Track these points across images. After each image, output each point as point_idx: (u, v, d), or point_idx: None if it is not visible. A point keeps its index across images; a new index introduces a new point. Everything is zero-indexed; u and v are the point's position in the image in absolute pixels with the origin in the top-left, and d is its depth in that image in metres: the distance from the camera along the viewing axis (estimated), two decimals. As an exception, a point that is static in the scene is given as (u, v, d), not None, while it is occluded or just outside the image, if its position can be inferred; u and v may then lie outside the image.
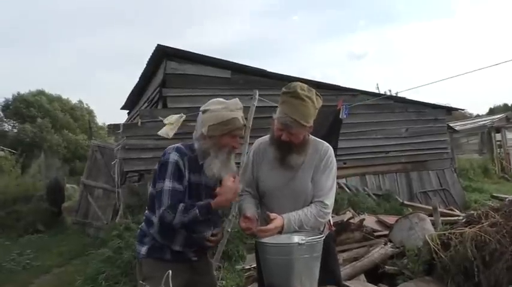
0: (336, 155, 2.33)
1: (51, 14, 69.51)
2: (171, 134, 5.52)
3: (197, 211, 2.02)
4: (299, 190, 2.22)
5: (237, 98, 2.23)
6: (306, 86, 2.15)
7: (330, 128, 4.93)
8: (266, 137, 2.36)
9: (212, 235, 2.25)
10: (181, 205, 2.03)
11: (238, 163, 5.34)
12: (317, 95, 2.16)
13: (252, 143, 2.66)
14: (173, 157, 2.12)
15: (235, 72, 8.71)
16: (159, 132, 5.56)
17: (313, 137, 2.30)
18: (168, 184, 2.07)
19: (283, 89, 2.16)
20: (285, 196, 2.22)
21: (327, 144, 2.32)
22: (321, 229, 2.28)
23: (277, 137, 2.17)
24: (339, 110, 5.09)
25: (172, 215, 2.01)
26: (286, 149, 2.16)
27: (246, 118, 4.96)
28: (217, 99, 2.24)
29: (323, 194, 2.21)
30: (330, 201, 2.22)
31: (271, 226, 2.03)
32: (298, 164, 2.20)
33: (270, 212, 2.14)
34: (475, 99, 73.96)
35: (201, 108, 2.22)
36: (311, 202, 2.21)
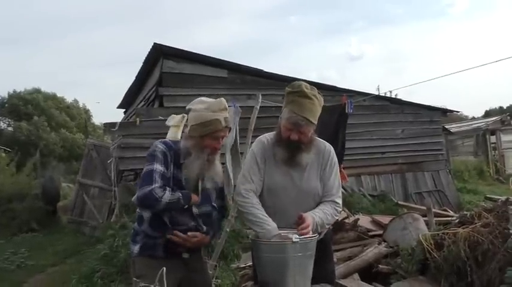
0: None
1: (47, 13, 69.20)
2: (179, 136, 5.53)
3: (179, 194, 2.07)
4: (307, 189, 2.23)
5: (222, 98, 2.20)
6: (308, 85, 2.17)
7: (336, 125, 4.96)
8: (267, 135, 2.34)
9: (203, 231, 2.20)
10: (168, 187, 2.07)
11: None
12: (318, 93, 2.20)
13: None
14: (161, 147, 2.16)
15: (232, 72, 8.71)
16: (168, 137, 5.56)
17: (314, 136, 2.31)
18: (157, 166, 2.08)
19: (288, 89, 2.17)
20: (289, 194, 2.22)
21: (328, 143, 2.35)
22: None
23: (285, 137, 2.17)
24: (344, 106, 5.13)
25: (163, 192, 2.02)
26: (296, 148, 2.17)
27: (248, 118, 5.01)
28: (201, 98, 2.22)
29: (333, 193, 2.26)
30: (339, 199, 2.28)
31: (308, 221, 2.04)
32: (307, 163, 2.22)
33: (272, 210, 2.16)
34: (471, 102, 74.43)
35: (187, 107, 2.23)
36: (321, 202, 2.24)
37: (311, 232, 2.04)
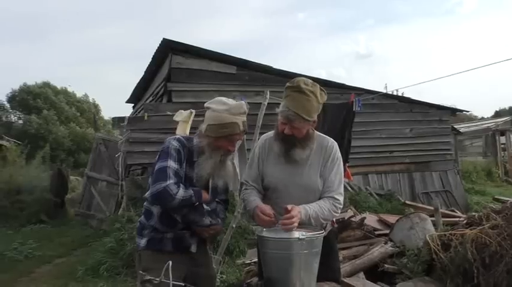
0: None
1: (58, 8, 69.63)
2: (187, 132, 5.56)
3: (191, 191, 2.07)
4: (306, 185, 2.23)
5: (242, 102, 2.19)
6: (310, 81, 2.15)
7: (343, 123, 4.95)
8: (271, 133, 2.36)
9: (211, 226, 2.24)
10: (182, 184, 2.08)
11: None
12: (321, 90, 2.17)
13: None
14: (174, 144, 2.15)
15: (240, 68, 8.71)
16: (177, 132, 5.59)
17: (318, 132, 2.31)
18: (171, 163, 2.09)
19: (287, 84, 2.17)
20: (289, 190, 2.23)
21: (332, 139, 2.33)
22: (324, 224, 2.29)
23: (280, 131, 2.18)
24: (352, 104, 5.12)
25: (177, 189, 2.02)
26: (290, 143, 2.17)
27: (255, 114, 5.01)
28: (222, 98, 2.19)
29: (333, 189, 2.24)
30: (340, 196, 2.26)
31: (294, 212, 2.00)
32: (302, 159, 2.21)
33: (274, 207, 2.15)
34: (480, 103, 73.63)
35: (205, 105, 2.21)
36: (320, 198, 2.23)
37: (302, 222, 2.04)
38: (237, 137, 2.16)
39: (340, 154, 2.33)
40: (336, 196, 2.23)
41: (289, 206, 2.03)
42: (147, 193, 2.11)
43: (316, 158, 2.25)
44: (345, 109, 5.11)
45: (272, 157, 2.29)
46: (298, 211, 2.03)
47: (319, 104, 2.15)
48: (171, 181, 2.03)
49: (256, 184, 2.33)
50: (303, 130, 2.16)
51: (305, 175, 2.23)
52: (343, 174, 2.34)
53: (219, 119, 2.10)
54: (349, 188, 9.09)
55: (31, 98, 25.29)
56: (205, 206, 2.21)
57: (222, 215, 2.38)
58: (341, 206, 2.27)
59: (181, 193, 2.04)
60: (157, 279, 1.82)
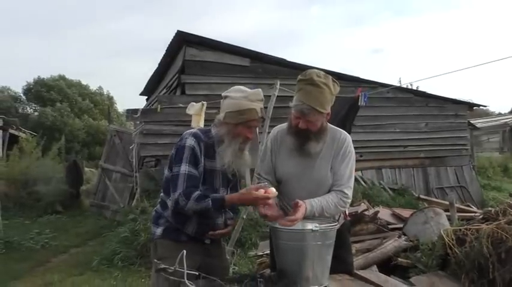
0: None
1: (74, 1, 70.26)
2: (202, 124, 5.60)
3: (210, 202, 2.04)
4: (318, 179, 2.21)
5: (259, 89, 2.20)
6: (322, 73, 2.13)
7: (344, 116, 4.90)
8: (283, 125, 2.34)
9: (226, 224, 2.27)
10: (196, 193, 2.05)
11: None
12: (334, 81, 2.14)
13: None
14: (190, 141, 2.14)
15: (254, 61, 8.70)
16: (192, 125, 5.62)
17: (330, 125, 2.29)
18: (184, 168, 2.09)
19: (299, 77, 2.14)
20: (302, 184, 2.21)
21: (345, 132, 2.30)
22: (336, 217, 2.28)
23: (294, 125, 2.16)
24: (357, 98, 5.05)
25: (185, 201, 2.03)
26: (304, 136, 2.15)
27: (266, 107, 5.01)
28: (239, 87, 2.21)
29: (342, 183, 2.20)
30: (349, 190, 2.22)
31: (298, 215, 2.00)
32: (316, 152, 2.19)
33: (286, 200, 2.14)
34: (498, 98, 72.23)
35: (222, 94, 2.22)
36: (329, 191, 2.21)
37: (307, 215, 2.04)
38: (255, 124, 2.17)
39: (353, 148, 2.30)
40: (345, 190, 2.20)
41: (299, 202, 2.03)
42: (168, 203, 2.17)
43: (328, 150, 2.22)
44: (348, 104, 5.04)
45: (284, 150, 2.28)
46: (303, 211, 2.02)
47: (332, 96, 2.13)
48: (179, 191, 2.05)
49: (269, 177, 2.32)
50: (317, 123, 2.13)
51: (316, 168, 2.21)
52: (354, 168, 2.30)
53: (238, 105, 2.12)
54: (362, 182, 9.03)
55: (45, 90, 25.64)
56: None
57: (235, 211, 2.40)
58: (349, 201, 2.24)
59: (190, 205, 2.04)
60: (172, 268, 1.84)
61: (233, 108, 2.13)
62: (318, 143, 2.17)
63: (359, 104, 5.11)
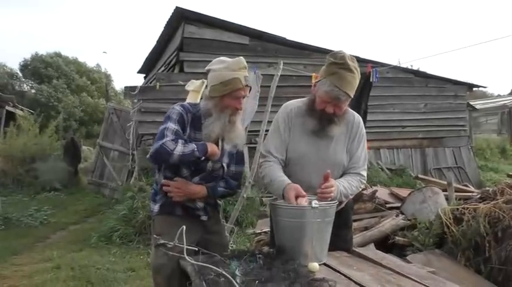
0: (365, 122, 2.29)
1: (69, -25, 68.69)
2: (198, 101, 5.54)
3: (194, 145, 2.04)
4: (333, 161, 2.17)
5: (241, 57, 2.15)
6: (350, 55, 2.05)
7: (360, 94, 4.85)
8: (296, 103, 2.26)
9: (206, 210, 2.26)
10: (181, 140, 2.03)
11: (256, 131, 5.36)
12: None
13: (274, 111, 2.59)
14: (178, 108, 2.15)
15: (253, 39, 8.57)
16: (187, 101, 5.56)
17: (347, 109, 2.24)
18: (172, 125, 2.07)
19: (331, 59, 2.03)
20: (314, 165, 2.16)
21: (357, 114, 2.28)
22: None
23: (320, 109, 2.09)
24: (369, 74, 5.01)
25: (174, 144, 1.99)
26: (328, 120, 2.10)
27: (268, 86, 4.93)
28: (221, 58, 2.18)
29: (359, 166, 2.21)
30: (365, 172, 2.24)
31: (333, 181, 1.99)
32: (336, 135, 2.15)
33: (294, 180, 2.07)
34: (497, 80, 71.96)
35: (205, 68, 2.19)
36: (345, 173, 2.20)
37: (332, 197, 2.00)
38: (241, 93, 2.11)
39: (364, 130, 2.28)
40: (362, 172, 2.21)
41: (330, 174, 1.99)
42: (147, 155, 2.11)
43: (343, 133, 2.19)
44: (362, 80, 5.02)
45: (297, 129, 2.20)
46: (336, 186, 2.01)
47: (359, 80, 2.09)
48: (167, 139, 2.00)
49: (280, 155, 2.21)
50: (343, 107, 2.10)
51: (331, 149, 2.17)
52: (366, 150, 2.30)
53: (220, 77, 2.08)
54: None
55: (43, 67, 25.33)
56: (209, 164, 2.18)
57: (219, 190, 2.29)
58: (365, 182, 2.26)
59: (179, 148, 1.99)
60: (171, 243, 1.84)
61: (216, 81, 2.10)
62: (339, 127, 2.14)
63: (371, 80, 5.06)
